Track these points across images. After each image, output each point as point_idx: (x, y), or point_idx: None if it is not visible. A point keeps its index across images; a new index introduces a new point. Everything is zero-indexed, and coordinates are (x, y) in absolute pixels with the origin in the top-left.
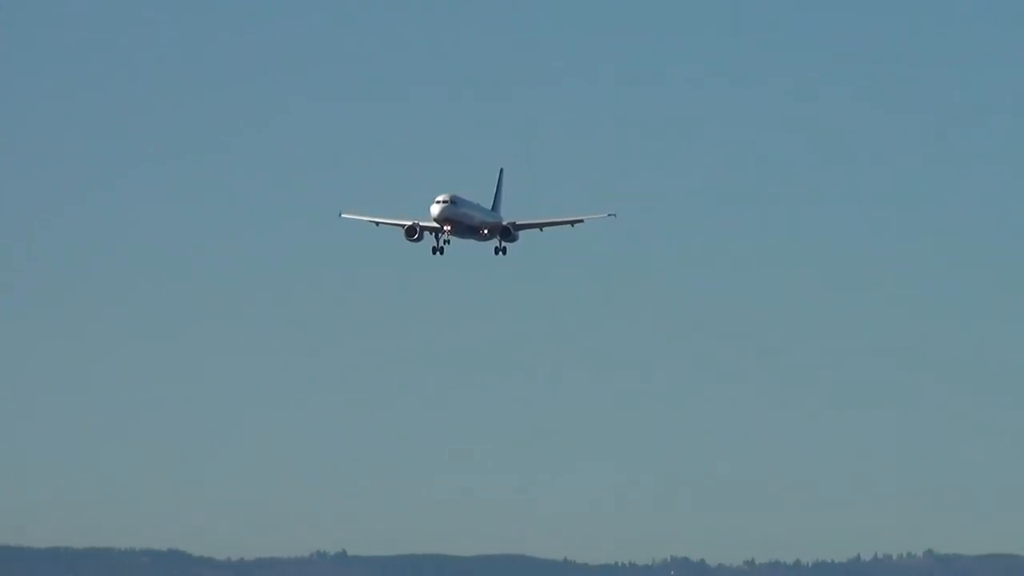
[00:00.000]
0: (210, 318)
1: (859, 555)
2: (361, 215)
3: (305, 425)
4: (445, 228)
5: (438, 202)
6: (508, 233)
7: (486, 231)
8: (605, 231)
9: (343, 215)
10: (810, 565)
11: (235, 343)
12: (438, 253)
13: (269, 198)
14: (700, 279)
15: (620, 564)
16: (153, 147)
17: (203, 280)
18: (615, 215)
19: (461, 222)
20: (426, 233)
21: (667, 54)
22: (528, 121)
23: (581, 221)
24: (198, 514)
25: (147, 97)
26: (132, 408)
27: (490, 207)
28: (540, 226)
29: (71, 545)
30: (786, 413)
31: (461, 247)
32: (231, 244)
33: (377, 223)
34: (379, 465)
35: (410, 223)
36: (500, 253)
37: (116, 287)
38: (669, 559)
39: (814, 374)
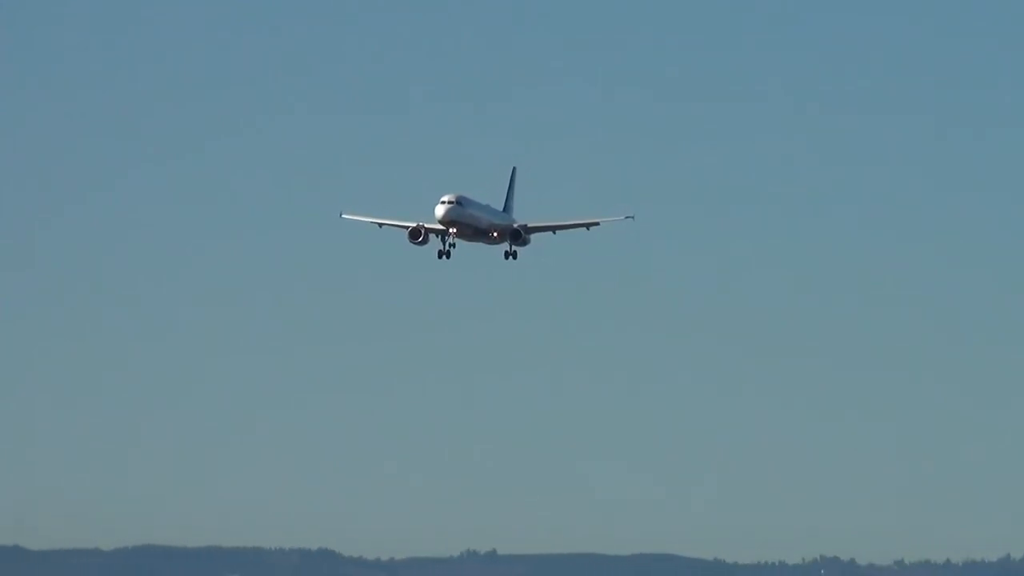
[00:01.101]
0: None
1: (1009, 554)
2: (363, 216)
3: (449, 424)
4: (451, 231)
5: (443, 203)
6: (518, 236)
7: (495, 234)
8: (623, 234)
9: (344, 216)
10: (960, 564)
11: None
12: (444, 257)
13: (267, 198)
14: (724, 284)
15: (769, 563)
16: (153, 147)
17: (207, 281)
18: (633, 217)
19: (468, 224)
20: (431, 236)
21: (686, 51)
22: (542, 119)
23: (597, 224)
24: (348, 513)
25: (147, 97)
26: (264, 408)
27: (501, 208)
28: (553, 229)
29: (222, 544)
30: (923, 411)
31: (469, 251)
32: (228, 243)
33: (380, 224)
34: (529, 464)
35: (414, 225)
36: (510, 258)
37: (121, 288)
38: (819, 558)
39: (936, 370)
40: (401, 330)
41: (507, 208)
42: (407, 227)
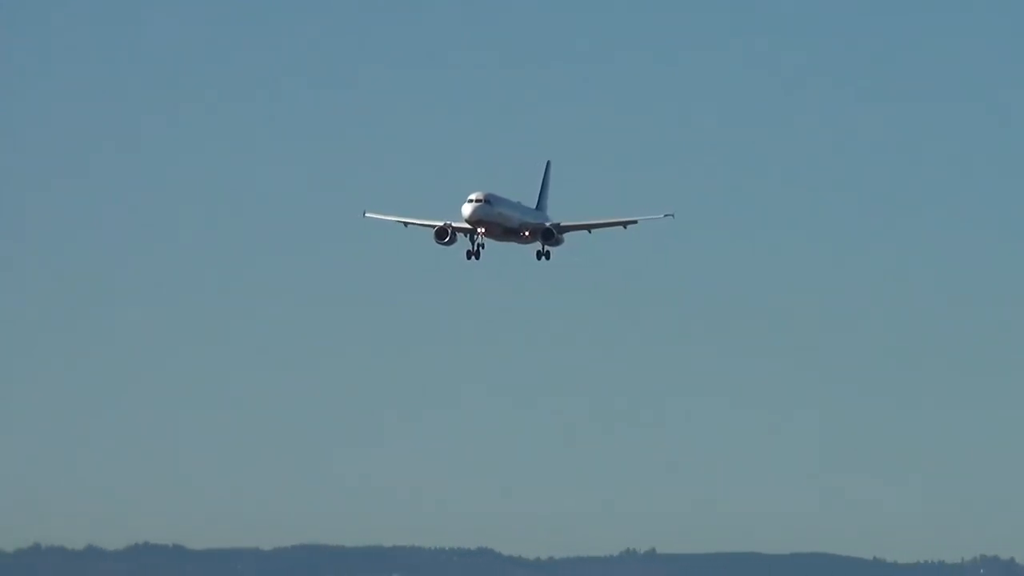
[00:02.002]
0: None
1: None
2: (387, 215)
3: (604, 424)
4: (479, 230)
5: (470, 201)
6: (551, 236)
7: (527, 233)
8: (662, 234)
9: (367, 215)
10: None
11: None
12: (473, 258)
13: (287, 196)
14: (771, 285)
15: (929, 562)
16: (168, 145)
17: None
18: (673, 215)
19: (497, 223)
20: (459, 235)
21: (731, 45)
22: (578, 112)
23: (635, 222)
24: (507, 513)
25: (160, 96)
26: (410, 407)
27: (534, 206)
28: (588, 228)
29: (382, 544)
30: None
31: (500, 252)
32: (248, 245)
33: (405, 224)
34: (685, 463)
35: (441, 224)
36: (543, 258)
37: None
38: (978, 558)
39: None
40: (465, 332)
41: (540, 206)
42: (433, 226)
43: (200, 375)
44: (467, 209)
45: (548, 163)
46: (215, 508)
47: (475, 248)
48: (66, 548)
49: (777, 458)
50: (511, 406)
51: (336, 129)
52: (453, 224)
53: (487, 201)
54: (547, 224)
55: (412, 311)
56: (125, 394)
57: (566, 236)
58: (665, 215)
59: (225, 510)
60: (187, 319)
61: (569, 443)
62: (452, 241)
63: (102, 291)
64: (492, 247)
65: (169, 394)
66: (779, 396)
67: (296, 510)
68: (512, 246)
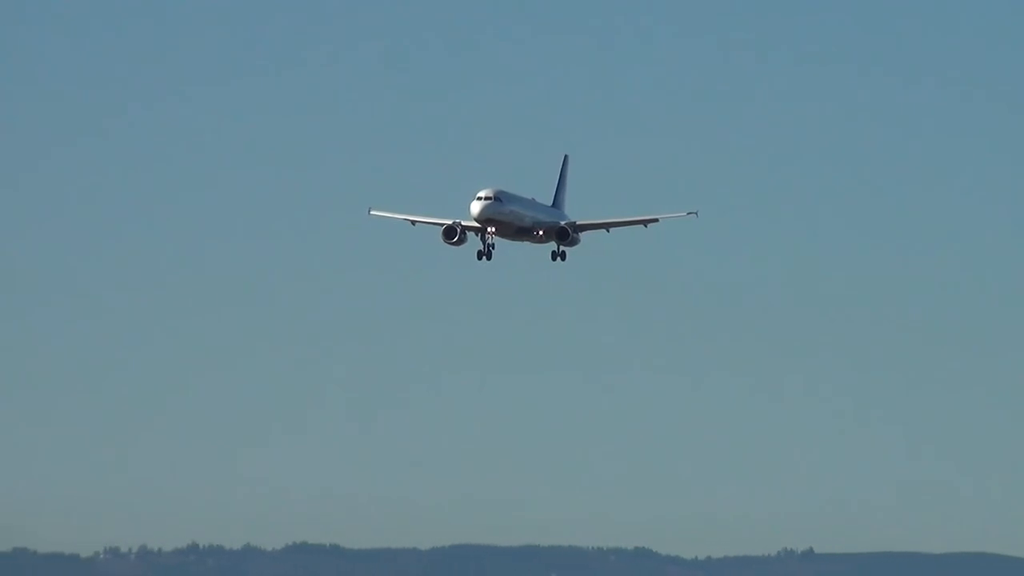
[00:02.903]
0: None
1: None
2: (393, 213)
3: (755, 424)
4: (489, 229)
5: (479, 198)
6: (566, 235)
7: (541, 233)
8: (685, 232)
9: (372, 212)
10: None
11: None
12: (484, 259)
13: (289, 193)
14: (798, 286)
15: None
16: (165, 142)
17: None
18: (696, 214)
19: (508, 222)
20: (469, 234)
21: (754, 33)
22: (596, 105)
23: (656, 220)
24: (665, 513)
25: (161, 91)
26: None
27: (550, 203)
28: (607, 227)
29: (539, 543)
30: None
31: (513, 252)
32: (248, 244)
33: (413, 222)
34: (843, 462)
35: (449, 223)
36: (558, 259)
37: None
38: None
39: None
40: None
41: (557, 203)
42: (442, 225)
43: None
44: (476, 207)
45: (565, 157)
46: (372, 508)
47: (486, 248)
48: (224, 548)
49: (933, 457)
50: (669, 407)
51: (339, 121)
52: (463, 223)
53: (497, 198)
54: (562, 223)
55: (421, 315)
56: (266, 395)
57: (583, 236)
58: (689, 213)
59: (382, 510)
60: (186, 321)
61: (725, 442)
62: (462, 241)
63: (133, 291)
64: (505, 247)
65: (298, 393)
66: (916, 396)
67: (452, 510)
68: (526, 246)
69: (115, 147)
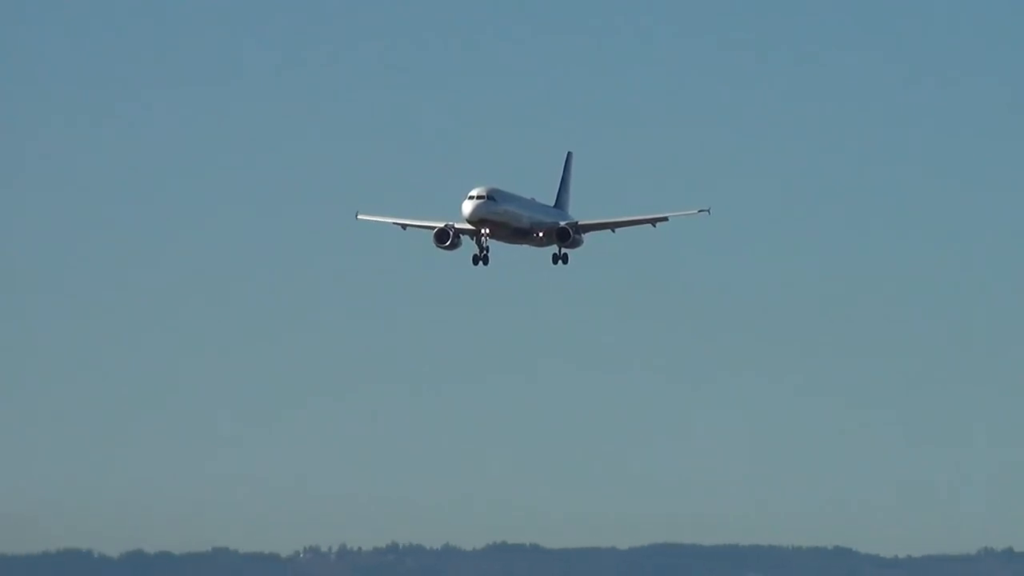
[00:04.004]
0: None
1: None
2: (382, 216)
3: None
4: (483, 231)
5: (471, 198)
6: (567, 236)
7: (540, 234)
8: (697, 232)
9: (360, 216)
10: None
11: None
12: (480, 263)
13: (272, 195)
14: (825, 286)
15: None
16: (152, 143)
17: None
18: (709, 211)
19: (503, 223)
20: (463, 238)
21: (770, 31)
22: (601, 98)
23: (665, 219)
24: (865, 511)
25: (149, 93)
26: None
27: (552, 203)
28: (612, 226)
29: (739, 543)
30: None
31: (511, 255)
32: (227, 245)
33: (403, 226)
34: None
35: (441, 226)
36: (560, 262)
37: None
38: None
39: None
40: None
41: (560, 203)
42: (433, 228)
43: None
44: (467, 207)
45: (569, 155)
46: (571, 507)
47: (482, 252)
48: (424, 547)
49: None
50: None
51: (324, 120)
52: (456, 225)
53: (490, 197)
54: (562, 223)
55: (413, 324)
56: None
57: (587, 237)
58: (700, 211)
59: (580, 509)
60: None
61: (925, 441)
62: (455, 245)
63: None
64: (503, 251)
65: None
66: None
67: (651, 509)
68: (525, 249)
69: (105, 147)
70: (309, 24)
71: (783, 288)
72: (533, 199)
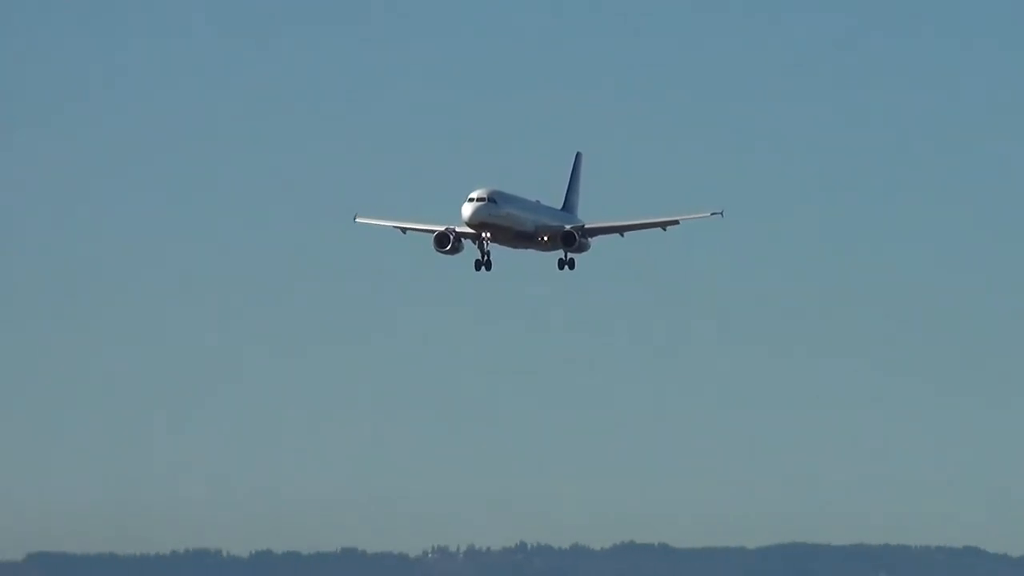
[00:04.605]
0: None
1: None
2: (381, 219)
3: None
4: (484, 235)
5: (471, 200)
6: (572, 240)
7: (545, 238)
8: (709, 235)
9: (358, 219)
10: None
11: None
12: (483, 268)
13: (267, 196)
14: (844, 290)
15: None
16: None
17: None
18: (722, 214)
19: (505, 226)
20: (465, 242)
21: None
22: (611, 97)
23: (676, 223)
24: (989, 510)
25: (148, 97)
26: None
27: (560, 205)
28: (620, 230)
29: (869, 542)
30: None
31: (515, 260)
32: (226, 245)
33: (403, 230)
34: None
35: (442, 229)
36: (566, 267)
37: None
38: None
39: None
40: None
41: (568, 205)
42: (433, 232)
43: None
44: (467, 209)
45: (578, 155)
46: (699, 507)
47: (484, 256)
48: (552, 547)
49: None
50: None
51: (322, 121)
52: (456, 229)
53: (491, 199)
54: (567, 226)
55: (413, 332)
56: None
57: (595, 241)
58: (713, 214)
59: (709, 509)
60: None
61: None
62: (456, 249)
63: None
64: (507, 256)
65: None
66: None
67: (779, 509)
68: (530, 254)
69: (101, 149)
70: (306, 24)
71: (802, 295)
72: (538, 201)
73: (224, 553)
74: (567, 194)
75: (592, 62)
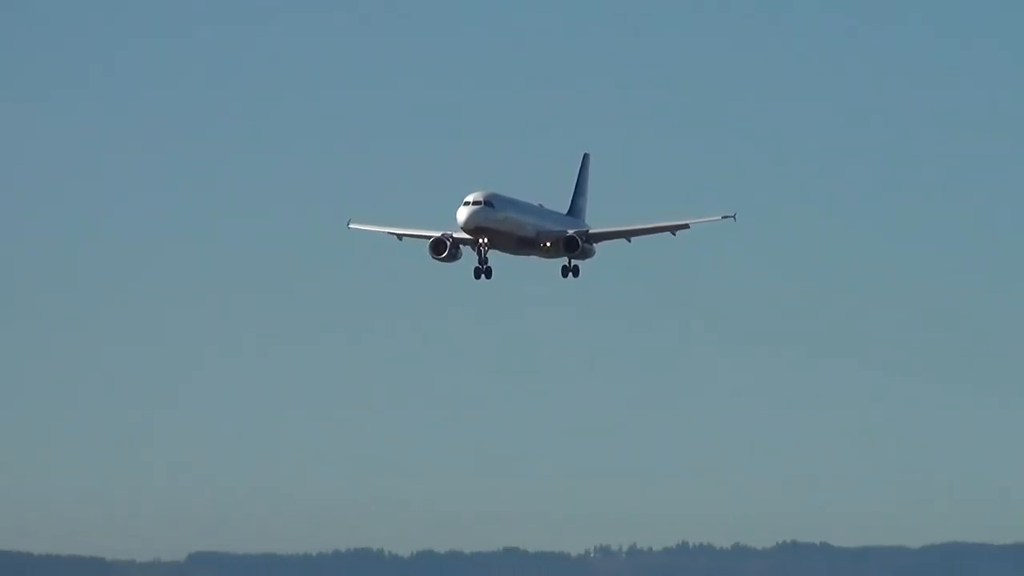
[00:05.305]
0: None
1: None
2: (376, 225)
3: None
4: (481, 241)
5: (466, 203)
6: (574, 246)
7: (547, 244)
8: (721, 240)
9: (351, 225)
10: None
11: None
12: (483, 276)
13: (258, 201)
14: (859, 295)
15: None
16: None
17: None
18: (735, 217)
19: (504, 232)
20: (464, 248)
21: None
22: (617, 95)
23: (686, 227)
24: None
25: (140, 99)
26: None
27: (565, 209)
28: (627, 235)
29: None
30: None
31: (516, 267)
32: (206, 257)
33: (399, 236)
34: None
35: (438, 235)
36: (570, 275)
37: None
38: None
39: None
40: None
41: (575, 209)
42: (430, 238)
43: None
44: (462, 214)
45: (585, 156)
46: (861, 505)
47: (484, 264)
48: (714, 546)
49: None
50: None
51: (316, 123)
52: (454, 235)
53: (488, 203)
54: (570, 231)
55: (409, 342)
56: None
57: (600, 246)
58: (725, 217)
59: (871, 507)
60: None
61: None
62: (454, 256)
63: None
64: (508, 263)
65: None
66: None
67: (940, 508)
68: (533, 260)
69: (94, 152)
70: (300, 23)
71: (821, 302)
72: (541, 205)
73: (385, 552)
74: (573, 197)
75: (597, 61)
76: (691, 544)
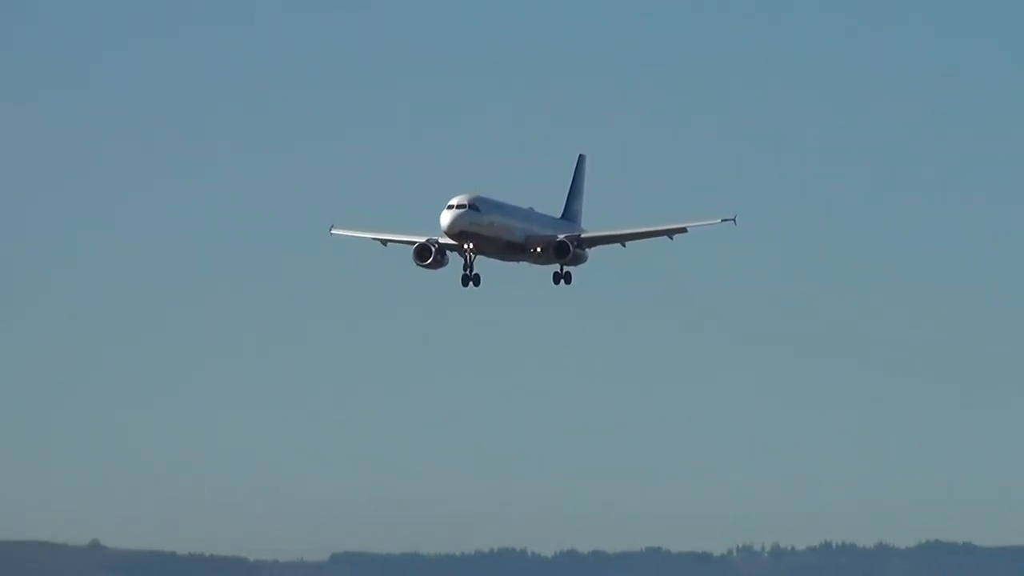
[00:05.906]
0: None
1: None
2: (359, 231)
3: None
4: (466, 246)
5: (450, 207)
6: (565, 251)
7: (537, 249)
8: (720, 244)
9: (333, 231)
10: None
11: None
12: (470, 284)
13: (239, 206)
14: (863, 298)
15: None
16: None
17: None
18: (735, 220)
19: (491, 236)
20: (452, 254)
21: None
22: (614, 94)
23: (684, 230)
24: None
25: (139, 99)
26: None
27: (559, 213)
28: (622, 239)
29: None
30: None
31: (505, 274)
32: (193, 262)
33: (384, 242)
34: None
35: (422, 241)
36: (562, 282)
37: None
38: None
39: None
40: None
41: (570, 213)
42: (414, 244)
43: None
44: (446, 217)
45: (581, 158)
46: (1005, 505)
47: (471, 270)
48: (857, 546)
49: None
50: None
51: (299, 126)
52: (440, 240)
53: (472, 206)
54: (560, 236)
55: (395, 351)
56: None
57: (593, 252)
58: (724, 220)
59: (1014, 508)
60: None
61: None
62: (439, 262)
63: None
64: (497, 269)
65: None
66: None
67: None
68: (523, 267)
69: (85, 155)
70: (291, 26)
71: (822, 308)
72: (531, 208)
73: (529, 552)
74: (568, 200)
75: (593, 61)
76: (834, 544)
